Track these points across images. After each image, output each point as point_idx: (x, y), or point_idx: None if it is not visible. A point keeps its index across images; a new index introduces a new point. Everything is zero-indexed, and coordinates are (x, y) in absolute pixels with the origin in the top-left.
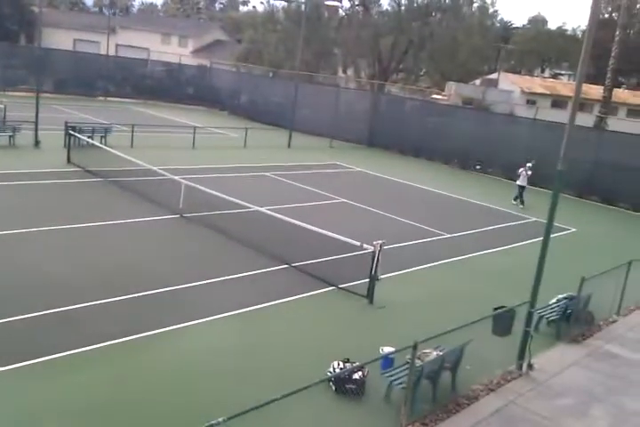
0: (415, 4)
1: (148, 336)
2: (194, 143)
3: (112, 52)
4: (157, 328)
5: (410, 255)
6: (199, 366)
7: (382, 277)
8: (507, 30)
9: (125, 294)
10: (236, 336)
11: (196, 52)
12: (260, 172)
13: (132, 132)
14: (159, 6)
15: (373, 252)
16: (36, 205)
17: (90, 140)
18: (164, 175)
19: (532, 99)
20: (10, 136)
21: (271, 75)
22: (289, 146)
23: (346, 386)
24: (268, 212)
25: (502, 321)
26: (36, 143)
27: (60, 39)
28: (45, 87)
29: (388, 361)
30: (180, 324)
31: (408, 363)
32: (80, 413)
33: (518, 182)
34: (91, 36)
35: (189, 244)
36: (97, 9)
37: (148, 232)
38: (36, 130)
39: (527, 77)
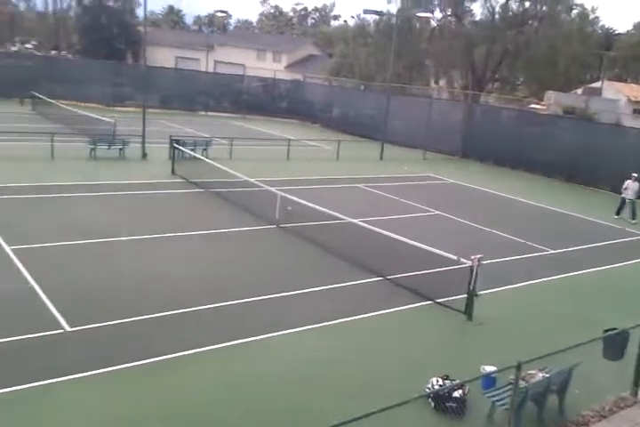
0: (510, 13)
1: (239, 344)
2: (288, 155)
3: (210, 69)
4: (248, 337)
5: (510, 271)
6: (293, 375)
7: (481, 293)
8: (609, 37)
9: (221, 301)
10: (330, 347)
11: (290, 66)
12: (353, 183)
13: (231, 144)
14: (254, 23)
15: (471, 266)
16: (142, 213)
17: (192, 153)
18: (260, 186)
19: (639, 108)
20: (120, 149)
21: (362, 87)
22: (381, 158)
23: (446, 404)
24: (362, 224)
25: (614, 344)
26: (144, 155)
27: (162, 57)
28: (151, 103)
29: (489, 380)
30: (273, 333)
31: (511, 384)
32: (178, 416)
33: (625, 196)
34: (191, 54)
35: (285, 253)
36: (196, 27)
37: (246, 241)
38: (144, 143)
39: (634, 86)
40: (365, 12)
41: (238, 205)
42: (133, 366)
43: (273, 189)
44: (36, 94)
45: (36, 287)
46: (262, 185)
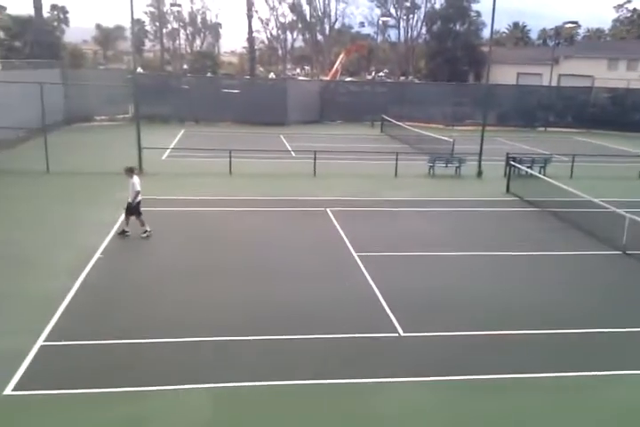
0: None
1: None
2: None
3: (554, 83)
4: (583, 370)
5: None
6: None
7: None
8: None
9: (554, 327)
10: None
11: None
12: None
13: (572, 162)
14: (606, 31)
15: None
16: (471, 230)
17: (529, 171)
18: (605, 207)
19: None
20: (456, 167)
21: None
22: None
23: None
24: None
25: None
26: (479, 173)
27: (504, 74)
28: (489, 121)
29: None
30: (606, 371)
31: None
32: None
33: None
34: (533, 69)
35: (630, 284)
36: (540, 41)
37: (583, 266)
38: (480, 161)
39: None
40: None
41: (577, 227)
42: (467, 379)
43: (620, 211)
44: (385, 117)
45: (377, 291)
46: (608, 206)
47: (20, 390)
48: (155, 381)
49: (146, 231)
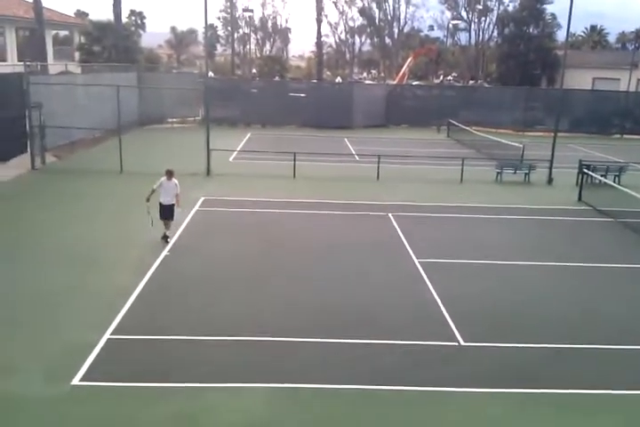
0: None
1: None
2: None
3: (632, 88)
4: None
5: None
6: None
7: None
8: None
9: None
10: None
11: None
12: None
13: None
14: None
15: None
16: (539, 239)
17: (603, 179)
18: None
19: None
20: (526, 173)
21: None
22: None
23: None
24: None
25: None
26: (550, 181)
27: (579, 79)
28: (561, 127)
29: None
30: None
31: None
32: None
33: None
34: (610, 74)
35: None
36: (619, 45)
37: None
38: (551, 168)
39: None
40: None
41: None
42: (503, 392)
43: None
44: (452, 122)
45: (437, 298)
46: None
47: (87, 381)
48: (213, 378)
49: (167, 237)
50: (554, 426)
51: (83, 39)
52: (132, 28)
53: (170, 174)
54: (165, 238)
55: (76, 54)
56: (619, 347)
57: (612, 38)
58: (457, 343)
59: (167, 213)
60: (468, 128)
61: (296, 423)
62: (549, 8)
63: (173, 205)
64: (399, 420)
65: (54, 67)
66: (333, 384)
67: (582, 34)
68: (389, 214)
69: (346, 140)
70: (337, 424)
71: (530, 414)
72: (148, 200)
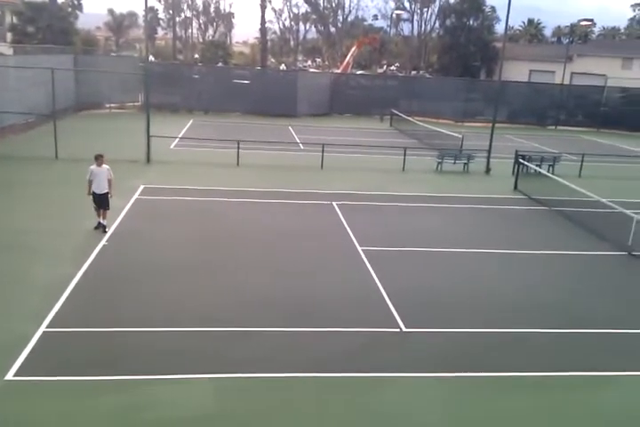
0: None
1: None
2: None
3: (566, 81)
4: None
5: None
6: None
7: None
8: None
9: (555, 327)
10: None
11: None
12: None
13: (582, 161)
14: (622, 30)
15: None
16: (477, 227)
17: (538, 169)
18: (613, 208)
19: None
20: (465, 163)
21: None
22: None
23: None
24: None
25: None
26: (487, 170)
27: (516, 71)
28: (499, 117)
29: None
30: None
31: None
32: None
33: None
34: (546, 66)
35: (637, 285)
36: (554, 39)
37: (584, 267)
38: (489, 158)
39: None
40: None
41: (584, 227)
42: (463, 376)
43: (628, 211)
44: (395, 111)
45: (380, 286)
46: (615, 206)
47: (21, 376)
48: (154, 369)
49: (105, 226)
50: (495, 408)
51: (15, 19)
52: (69, 9)
53: (99, 159)
54: (103, 228)
55: (8, 35)
56: (552, 331)
57: (548, 32)
58: (399, 329)
59: (102, 202)
60: (410, 118)
61: (244, 414)
62: (489, 1)
63: (107, 193)
64: (343, 406)
65: None
66: (278, 373)
67: (520, 27)
68: (333, 203)
69: (290, 128)
70: (284, 412)
71: (471, 396)
72: (89, 194)
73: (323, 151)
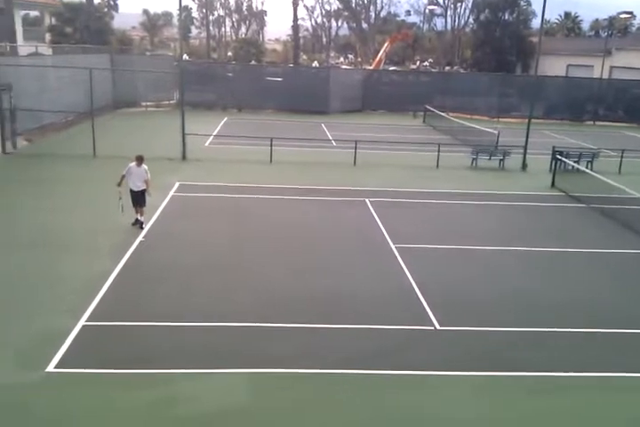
0: None
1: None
2: None
3: (605, 75)
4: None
5: None
6: None
7: None
8: None
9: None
10: None
11: None
12: None
13: (621, 157)
14: None
15: None
16: (513, 225)
17: (576, 165)
18: None
19: None
20: (500, 160)
21: None
22: None
23: None
24: None
25: None
26: (524, 167)
27: (553, 65)
28: (536, 113)
29: None
30: None
31: None
32: None
33: None
34: (584, 61)
35: None
36: (592, 33)
37: (625, 265)
38: (525, 154)
39: None
40: None
41: (623, 225)
42: (497, 375)
43: None
44: (428, 107)
45: (413, 283)
46: None
47: (62, 368)
48: (192, 364)
49: (142, 222)
50: (524, 408)
51: (54, 20)
52: (105, 10)
53: (139, 160)
54: (140, 224)
55: (47, 36)
56: (595, 330)
57: (585, 26)
58: (433, 328)
59: (139, 199)
60: (443, 114)
61: (278, 408)
62: None
63: (144, 190)
64: (374, 404)
65: (24, 48)
66: (312, 369)
67: (556, 21)
68: (366, 200)
69: (322, 125)
70: (315, 408)
71: (507, 396)
72: (119, 185)
73: (355, 148)
